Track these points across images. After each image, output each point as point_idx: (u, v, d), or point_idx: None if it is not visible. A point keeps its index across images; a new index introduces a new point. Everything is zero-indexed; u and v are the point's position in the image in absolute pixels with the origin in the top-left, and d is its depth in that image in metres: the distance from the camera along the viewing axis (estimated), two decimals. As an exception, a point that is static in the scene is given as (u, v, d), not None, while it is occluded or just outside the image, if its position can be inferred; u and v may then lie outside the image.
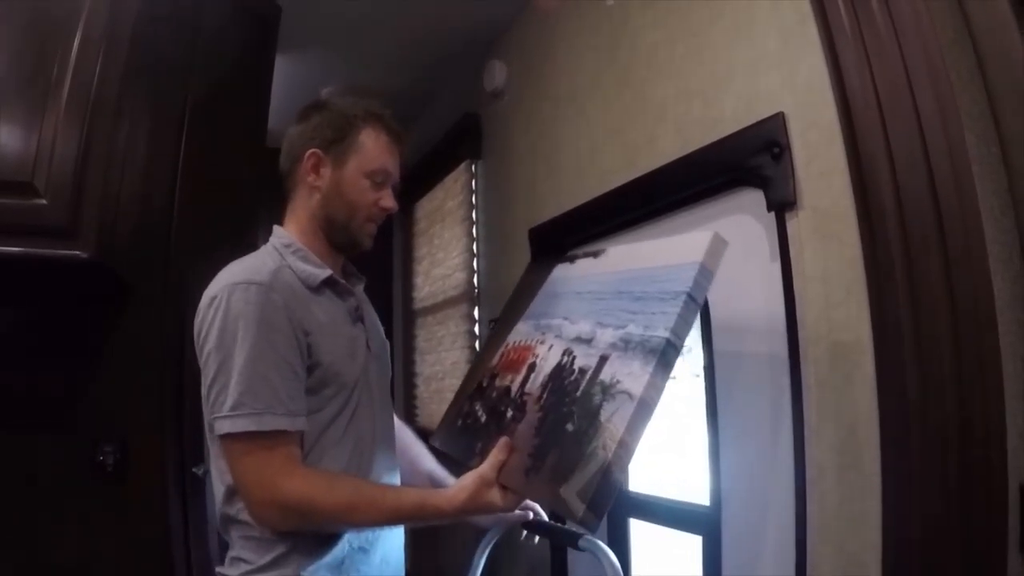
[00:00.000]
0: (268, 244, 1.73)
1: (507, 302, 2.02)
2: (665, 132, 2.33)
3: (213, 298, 1.51)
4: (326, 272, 1.67)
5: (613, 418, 1.33)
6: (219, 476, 1.56)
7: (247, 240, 2.91)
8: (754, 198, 1.95)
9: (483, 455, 1.51)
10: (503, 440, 1.48)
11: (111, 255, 2.08)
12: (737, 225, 2.03)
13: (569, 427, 1.40)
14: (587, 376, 1.48)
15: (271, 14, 3.19)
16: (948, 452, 1.39)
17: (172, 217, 2.47)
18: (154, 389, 2.33)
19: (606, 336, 1.53)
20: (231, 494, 1.53)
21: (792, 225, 1.81)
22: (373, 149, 1.74)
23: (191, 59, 2.62)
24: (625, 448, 1.28)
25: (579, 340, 1.60)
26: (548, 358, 1.66)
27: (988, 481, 1.36)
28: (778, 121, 1.84)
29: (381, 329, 1.92)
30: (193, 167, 2.56)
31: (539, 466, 1.40)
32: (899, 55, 1.55)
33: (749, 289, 1.96)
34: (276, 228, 1.77)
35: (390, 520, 1.56)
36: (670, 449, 2.32)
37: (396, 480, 1.77)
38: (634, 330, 1.46)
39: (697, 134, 2.14)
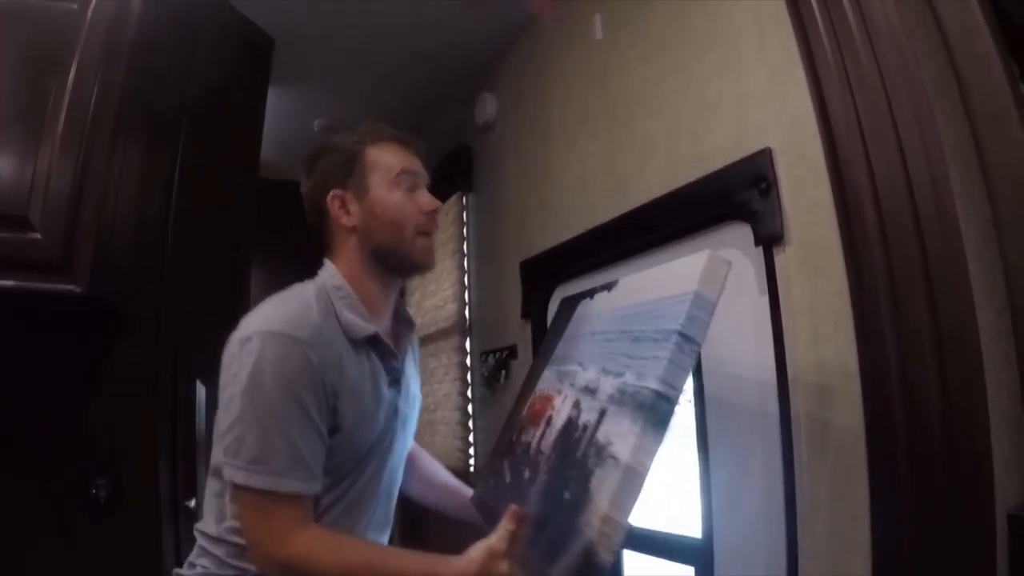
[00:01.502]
0: (318, 281, 1.64)
1: (541, 345, 1.96)
2: (654, 166, 2.35)
3: (248, 339, 1.44)
4: (371, 329, 1.59)
5: (601, 488, 1.19)
6: (214, 499, 1.56)
7: (239, 273, 2.93)
8: (742, 232, 1.96)
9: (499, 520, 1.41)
10: (511, 509, 1.39)
11: (104, 289, 2.07)
12: (726, 259, 2.02)
13: (566, 495, 1.28)
14: (587, 435, 1.34)
15: (264, 47, 3.22)
16: (936, 484, 1.41)
17: (165, 250, 2.47)
18: (147, 422, 2.31)
19: (607, 385, 1.39)
20: (222, 518, 1.53)
21: (780, 259, 1.83)
22: (386, 158, 1.67)
23: (185, 91, 2.64)
24: (611, 525, 1.14)
25: (586, 390, 1.47)
26: (561, 411, 1.53)
27: (976, 511, 1.37)
28: (765, 156, 1.87)
29: (418, 382, 1.87)
30: (186, 199, 2.57)
31: (538, 539, 1.32)
32: (883, 92, 1.58)
33: (738, 323, 1.96)
34: (327, 264, 1.68)
35: None
36: (662, 479, 2.32)
37: (384, 538, 1.74)
38: (629, 379, 1.31)
39: (686, 169, 2.17)
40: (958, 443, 1.40)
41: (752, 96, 1.96)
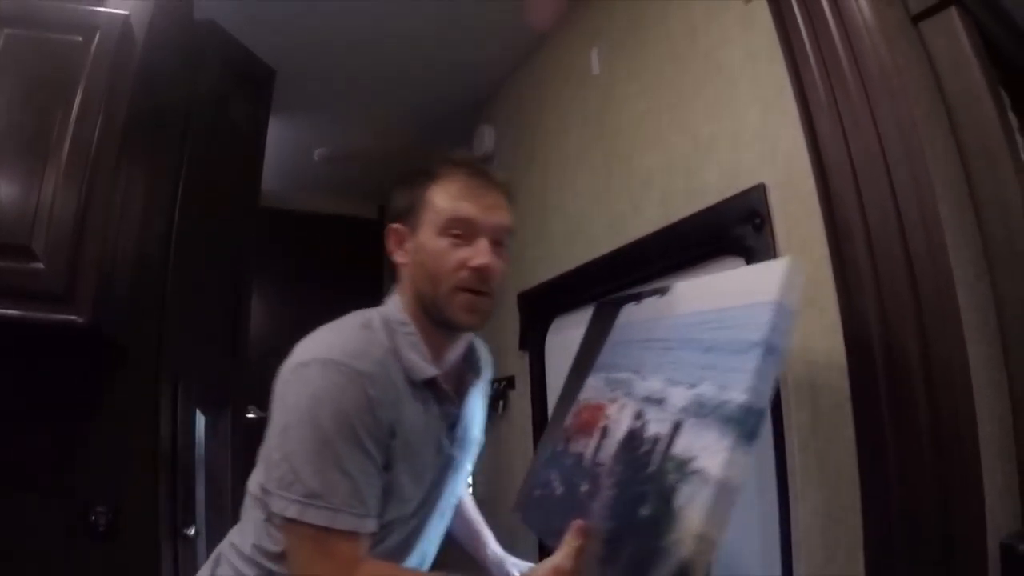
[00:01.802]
0: (382, 312, 1.56)
1: (578, 350, 1.92)
2: (650, 201, 2.37)
3: (305, 365, 1.39)
4: (431, 372, 1.50)
5: (691, 505, 1.12)
6: (256, 520, 1.50)
7: (240, 302, 2.95)
8: (736, 266, 1.96)
9: (560, 536, 1.31)
10: (576, 525, 1.29)
11: (106, 320, 2.08)
12: (721, 293, 2.03)
13: (644, 511, 1.21)
14: (660, 447, 1.28)
15: (265, 77, 3.27)
16: (928, 512, 1.43)
17: (166, 279, 2.48)
18: (147, 451, 2.32)
19: (678, 397, 1.32)
20: (260, 539, 1.48)
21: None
22: (442, 199, 1.53)
23: (187, 121, 2.67)
24: (706, 542, 1.07)
25: (650, 400, 1.40)
26: (620, 421, 1.46)
27: (968, 541, 1.39)
28: (759, 192, 1.88)
29: (480, 426, 1.80)
30: (187, 229, 2.58)
31: (614, 558, 1.22)
32: (874, 129, 1.61)
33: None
34: (394, 296, 1.60)
35: None
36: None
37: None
38: (707, 391, 1.25)
39: (681, 204, 2.19)
40: (949, 472, 1.41)
41: (746, 132, 1.99)
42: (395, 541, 1.52)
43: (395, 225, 1.60)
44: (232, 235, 2.97)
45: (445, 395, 1.56)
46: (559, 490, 1.55)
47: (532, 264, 3.13)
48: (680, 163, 2.25)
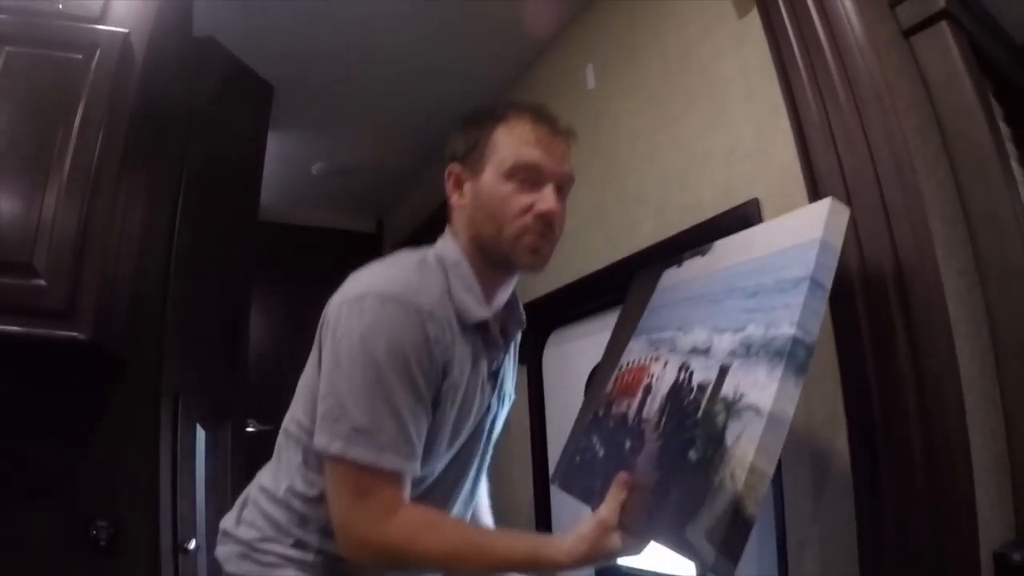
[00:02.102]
0: (434, 252, 1.53)
1: (617, 321, 1.93)
2: (645, 216, 2.39)
3: (362, 298, 1.34)
4: (484, 314, 1.48)
5: (741, 440, 1.14)
6: (291, 462, 1.48)
7: (239, 316, 2.96)
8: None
9: (602, 496, 1.31)
10: (620, 476, 1.31)
11: (107, 336, 2.08)
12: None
13: (692, 455, 1.23)
14: (707, 392, 1.29)
15: (264, 94, 3.29)
16: (921, 526, 1.44)
17: (166, 295, 2.49)
18: (147, 465, 2.32)
19: (724, 342, 1.34)
20: (294, 482, 1.45)
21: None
22: (509, 144, 1.49)
23: (186, 137, 2.70)
24: (758, 476, 1.09)
25: (695, 352, 1.41)
26: (664, 376, 1.47)
27: (961, 551, 1.40)
28: (753, 207, 1.91)
29: (513, 382, 1.75)
30: (187, 244, 2.60)
31: (663, 504, 1.23)
32: (865, 144, 1.63)
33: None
34: (448, 236, 1.57)
35: (495, 570, 1.35)
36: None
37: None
38: (754, 331, 1.27)
39: (676, 219, 2.21)
40: (941, 486, 1.43)
41: (740, 148, 2.01)
42: (433, 497, 1.49)
43: (454, 166, 1.56)
44: (231, 249, 2.99)
45: (493, 340, 1.54)
46: (601, 452, 1.55)
47: (529, 278, 3.08)
48: (675, 178, 2.27)
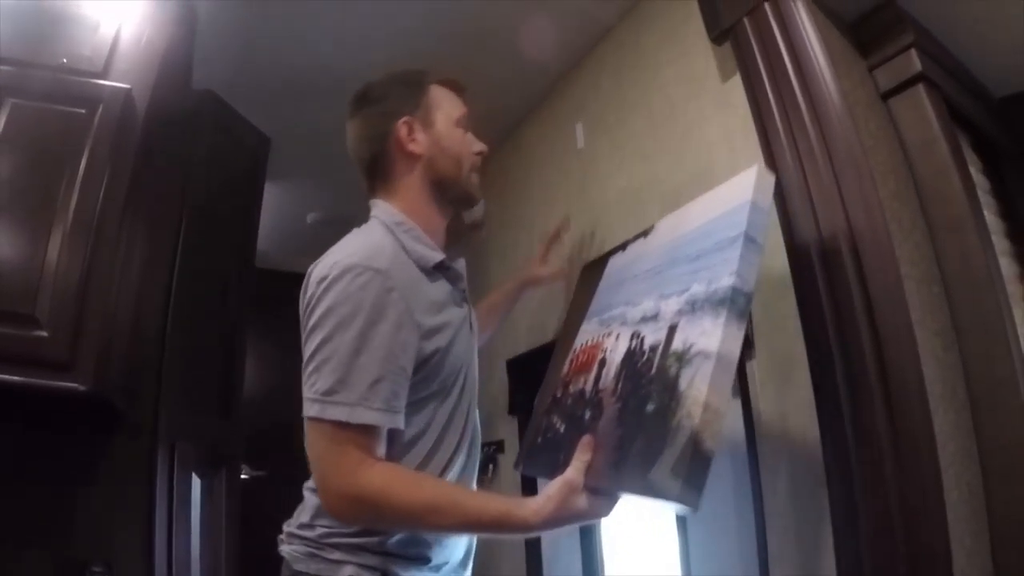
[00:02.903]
0: (374, 220, 1.68)
1: (566, 315, 2.06)
2: None
3: (324, 278, 1.45)
4: (439, 255, 1.64)
5: (694, 382, 1.22)
6: None
7: (234, 364, 2.99)
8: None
9: (567, 465, 1.38)
10: (584, 439, 1.39)
11: (107, 387, 2.10)
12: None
13: (650, 407, 1.30)
14: (659, 351, 1.37)
15: (261, 145, 3.34)
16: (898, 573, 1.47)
17: (164, 345, 2.51)
18: (142, 512, 2.33)
19: (671, 305, 1.43)
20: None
21: (750, 366, 1.90)
22: (448, 99, 1.81)
23: (185, 189, 2.73)
24: (712, 411, 1.17)
25: (645, 320, 1.50)
26: (617, 348, 1.57)
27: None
28: (735, 267, 1.94)
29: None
30: (184, 293, 2.62)
31: (626, 456, 1.29)
32: (842, 210, 1.68)
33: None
34: (379, 203, 1.73)
35: (468, 528, 1.47)
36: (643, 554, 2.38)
37: (475, 471, 1.73)
38: (698, 288, 1.36)
39: None
40: (918, 537, 1.47)
41: (723, 208, 2.04)
42: (455, 419, 1.62)
43: (407, 118, 1.73)
44: (227, 297, 3.02)
45: (456, 273, 1.72)
46: (562, 428, 1.63)
47: (520, 332, 3.16)
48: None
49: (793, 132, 1.81)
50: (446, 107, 1.78)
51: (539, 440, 1.75)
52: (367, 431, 1.39)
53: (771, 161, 1.84)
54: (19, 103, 2.18)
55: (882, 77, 2.12)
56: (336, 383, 1.37)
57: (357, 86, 2.74)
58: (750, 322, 1.85)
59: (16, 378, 1.98)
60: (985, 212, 2.07)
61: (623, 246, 1.94)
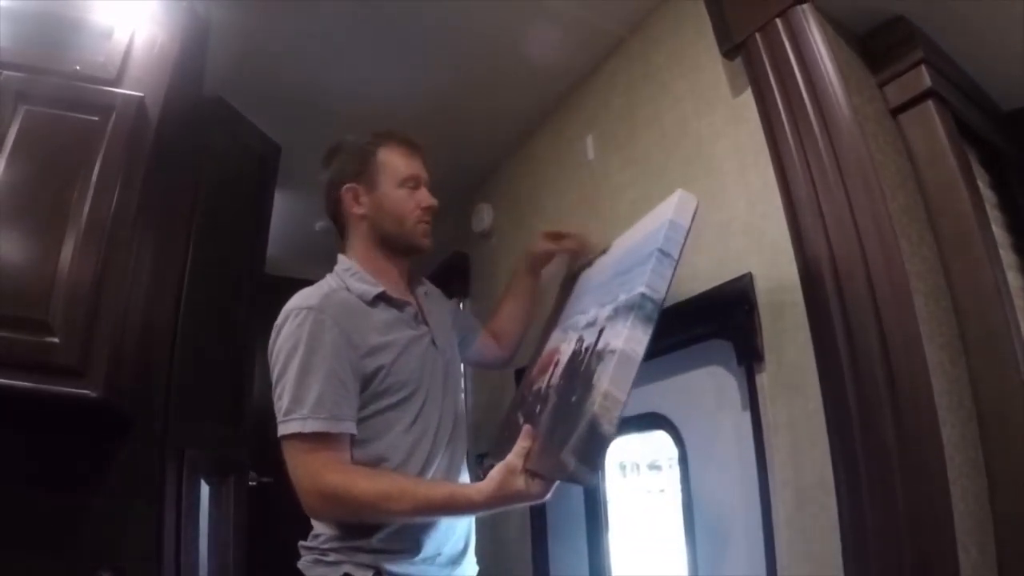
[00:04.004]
0: (332, 272, 1.88)
1: (544, 323, 2.18)
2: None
3: (277, 326, 1.70)
4: (378, 288, 1.81)
5: (601, 376, 1.35)
6: None
7: (243, 371, 2.98)
8: (725, 349, 2.04)
9: None
10: (526, 428, 1.52)
11: (117, 393, 2.11)
12: (711, 375, 2.12)
13: (573, 399, 1.43)
14: (590, 351, 1.51)
15: (272, 153, 3.34)
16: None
17: (173, 352, 2.51)
18: (151, 518, 2.33)
19: (604, 312, 1.57)
20: None
21: (760, 377, 1.91)
22: (395, 162, 1.92)
23: (196, 197, 2.73)
24: (610, 398, 1.29)
25: (588, 326, 1.64)
26: (567, 351, 1.70)
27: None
28: (747, 281, 1.96)
29: (448, 323, 2.09)
30: (194, 299, 2.63)
31: (550, 442, 1.43)
32: (852, 223, 1.70)
33: (723, 435, 2.03)
34: (340, 258, 1.92)
35: (422, 511, 1.61)
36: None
37: (461, 472, 1.89)
38: (622, 297, 1.50)
39: (672, 290, 2.22)
40: (925, 548, 1.48)
41: (734, 223, 2.06)
42: (421, 423, 1.77)
43: (351, 185, 1.91)
44: (237, 304, 3.02)
45: (397, 301, 1.86)
46: (521, 422, 1.71)
47: (528, 341, 3.09)
48: (671, 249, 2.29)
49: (804, 147, 1.82)
50: (391, 170, 1.92)
51: (505, 434, 1.89)
52: (323, 438, 1.60)
53: (782, 175, 1.86)
54: (33, 110, 2.20)
55: (892, 93, 2.13)
56: (291, 403, 1.60)
57: (367, 94, 2.74)
58: (759, 333, 1.90)
59: (27, 384, 1.98)
60: (993, 226, 2.07)
61: (590, 262, 2.07)
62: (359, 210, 1.92)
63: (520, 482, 1.45)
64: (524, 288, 2.33)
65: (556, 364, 1.74)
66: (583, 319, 1.73)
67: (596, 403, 1.30)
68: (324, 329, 1.66)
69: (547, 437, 1.46)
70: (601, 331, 1.51)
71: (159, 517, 2.35)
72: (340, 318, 1.70)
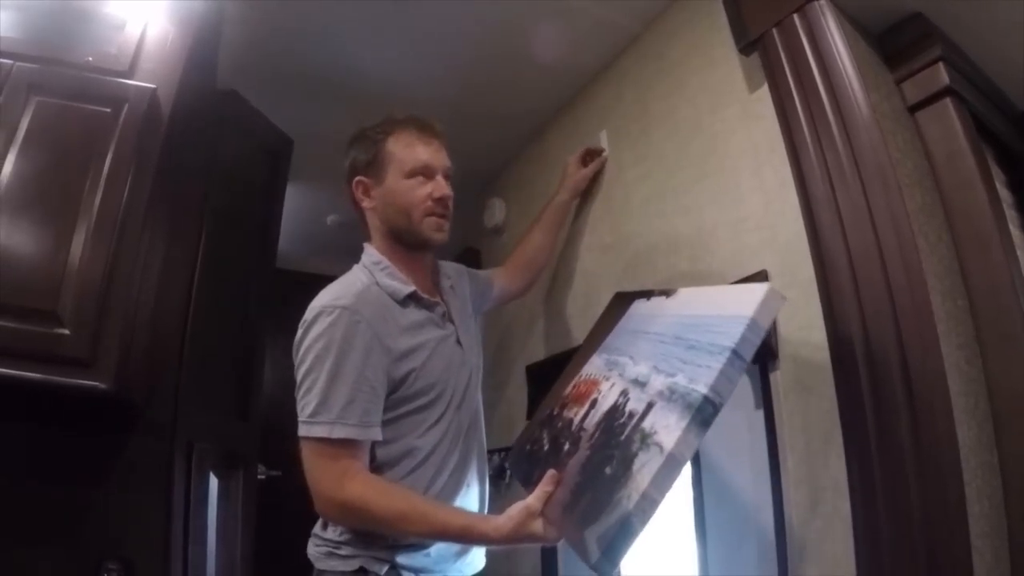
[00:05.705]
0: (361, 262, 1.91)
1: (591, 331, 2.16)
2: (655, 282, 2.41)
3: (305, 321, 1.70)
4: (409, 288, 1.84)
5: (643, 469, 1.31)
6: None
7: (253, 365, 2.98)
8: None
9: (536, 484, 1.56)
10: (550, 473, 1.54)
11: (127, 385, 2.10)
12: (723, 373, 2.08)
13: (607, 470, 1.41)
14: (633, 421, 1.47)
15: (283, 146, 3.34)
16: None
17: (183, 343, 2.52)
18: (159, 511, 2.33)
19: (657, 383, 1.50)
20: None
21: (774, 376, 1.89)
22: (403, 152, 1.90)
23: (208, 189, 2.74)
24: (648, 501, 1.27)
25: (636, 382, 1.59)
26: (608, 396, 1.66)
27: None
28: (761, 279, 1.94)
29: (469, 311, 2.14)
30: (205, 292, 2.63)
31: (575, 504, 1.43)
32: (870, 220, 1.68)
33: (735, 434, 2.01)
34: (367, 246, 1.95)
35: (436, 536, 1.63)
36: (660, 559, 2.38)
37: (473, 467, 1.91)
38: (681, 381, 1.42)
39: (684, 286, 2.20)
40: (939, 550, 1.46)
41: (748, 220, 2.05)
42: (449, 429, 1.82)
43: (360, 178, 1.95)
44: (247, 298, 3.03)
45: (427, 301, 1.88)
46: (546, 447, 1.78)
47: (539, 339, 3.16)
48: (684, 246, 2.30)
49: (822, 144, 1.80)
50: (398, 161, 1.90)
51: (527, 448, 1.92)
52: (347, 444, 1.61)
53: (799, 172, 1.84)
54: (44, 101, 2.20)
55: (909, 90, 2.11)
56: (318, 406, 1.61)
57: (380, 89, 2.73)
58: (775, 332, 1.88)
59: (36, 375, 1.98)
60: (1010, 226, 2.05)
61: (648, 294, 1.98)
62: (368, 204, 1.94)
63: (538, 526, 1.49)
64: (557, 220, 2.48)
65: (593, 404, 1.70)
66: (632, 369, 1.67)
67: (633, 501, 1.28)
68: (358, 332, 1.66)
69: (572, 497, 1.46)
70: (650, 406, 1.45)
71: (168, 510, 2.35)
72: (374, 320, 1.70)
